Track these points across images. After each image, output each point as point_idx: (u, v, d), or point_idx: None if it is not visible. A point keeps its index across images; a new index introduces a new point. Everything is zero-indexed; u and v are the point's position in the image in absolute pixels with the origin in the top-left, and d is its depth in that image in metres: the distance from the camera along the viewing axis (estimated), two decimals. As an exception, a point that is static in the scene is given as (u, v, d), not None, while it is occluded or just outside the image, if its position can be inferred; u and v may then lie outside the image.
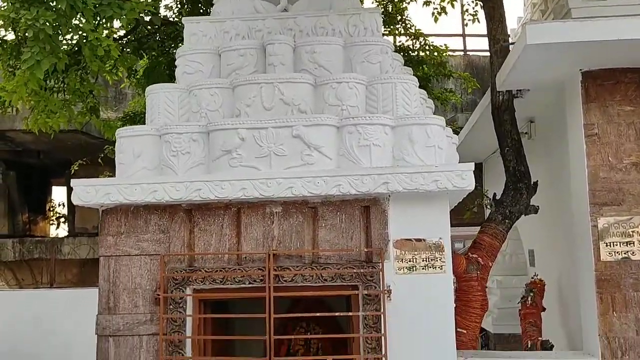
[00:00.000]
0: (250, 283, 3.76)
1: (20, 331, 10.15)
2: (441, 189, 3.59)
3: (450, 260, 3.70)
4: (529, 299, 6.16)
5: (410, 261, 3.69)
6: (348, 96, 3.92)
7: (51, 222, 16.23)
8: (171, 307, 3.77)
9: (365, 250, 3.72)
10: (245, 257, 3.81)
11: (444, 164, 3.73)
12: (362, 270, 3.67)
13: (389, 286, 3.65)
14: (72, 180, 3.85)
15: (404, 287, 3.67)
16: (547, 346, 5.71)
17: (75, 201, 3.82)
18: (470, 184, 3.58)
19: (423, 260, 3.69)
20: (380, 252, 3.67)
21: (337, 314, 3.68)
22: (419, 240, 3.71)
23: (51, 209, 16.19)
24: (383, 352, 3.58)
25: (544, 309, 6.25)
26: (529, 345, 5.81)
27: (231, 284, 3.77)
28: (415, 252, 3.69)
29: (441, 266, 3.68)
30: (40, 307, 10.48)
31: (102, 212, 3.94)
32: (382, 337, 3.59)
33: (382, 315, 3.61)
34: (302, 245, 3.78)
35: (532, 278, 6.39)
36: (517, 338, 7.17)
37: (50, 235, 15.79)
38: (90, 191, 3.77)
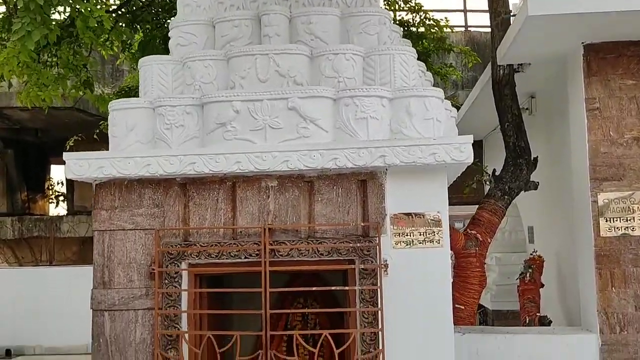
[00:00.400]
0: (245, 257, 3.72)
1: (20, 308, 10.25)
2: (439, 162, 3.53)
3: (448, 235, 3.66)
4: (528, 275, 6.14)
5: (407, 235, 3.64)
6: (345, 68, 3.84)
7: (50, 200, 16.21)
8: (166, 281, 3.75)
9: (362, 224, 3.68)
10: (241, 232, 3.76)
11: (442, 137, 3.67)
12: (358, 245, 3.63)
13: (386, 260, 3.62)
14: (64, 153, 3.79)
15: (401, 262, 3.63)
16: (545, 322, 5.71)
17: (68, 175, 3.77)
18: (469, 157, 3.53)
19: (420, 235, 3.64)
20: (377, 226, 3.63)
21: (333, 288, 3.65)
22: (416, 214, 3.66)
23: (50, 187, 16.17)
24: (380, 326, 3.56)
25: (542, 286, 6.24)
26: (527, 321, 5.80)
27: (227, 259, 3.73)
28: (413, 227, 3.65)
29: (439, 240, 3.64)
30: (39, 284, 10.56)
31: (96, 186, 3.89)
32: (379, 312, 3.57)
33: (378, 290, 3.58)
34: (298, 220, 3.73)
35: (531, 254, 6.38)
36: (515, 315, 7.18)
37: (50, 214, 15.78)
38: (83, 165, 3.72)
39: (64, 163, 3.79)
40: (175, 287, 3.74)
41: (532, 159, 5.95)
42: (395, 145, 3.55)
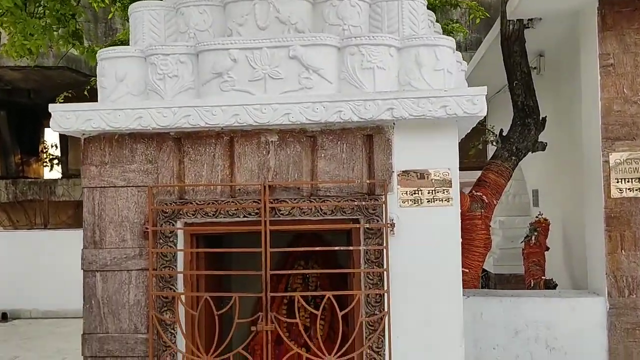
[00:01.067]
0: (244, 216, 3.53)
1: (16, 271, 10.13)
2: (450, 115, 3.31)
3: (458, 193, 3.47)
4: (533, 238, 6.01)
5: (415, 193, 3.45)
6: (350, 15, 3.58)
7: (44, 164, 15.97)
8: (161, 241, 3.56)
9: (368, 182, 3.48)
10: (239, 189, 3.57)
11: (454, 88, 3.44)
12: (364, 203, 3.44)
13: (393, 220, 3.44)
14: (50, 105, 3.56)
15: (409, 221, 3.45)
16: (550, 285, 5.59)
17: (54, 128, 3.54)
18: (482, 110, 3.31)
19: (429, 193, 3.45)
20: (384, 183, 3.43)
21: (337, 248, 3.47)
22: (425, 171, 3.46)
23: (44, 150, 15.90)
24: (385, 287, 3.40)
25: (547, 249, 6.11)
26: (532, 284, 5.69)
27: (224, 217, 3.55)
28: (421, 184, 3.45)
29: (448, 199, 3.45)
30: (35, 247, 10.42)
31: (84, 141, 3.67)
32: (384, 273, 3.40)
33: (384, 250, 3.40)
34: (300, 177, 3.53)
35: (537, 217, 6.23)
36: (518, 279, 7.08)
37: (44, 177, 15.56)
38: (70, 117, 3.49)
39: (56, 122, 3.56)
40: (170, 247, 3.56)
41: (540, 118, 5.75)
42: (404, 97, 3.33)
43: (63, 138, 14.91)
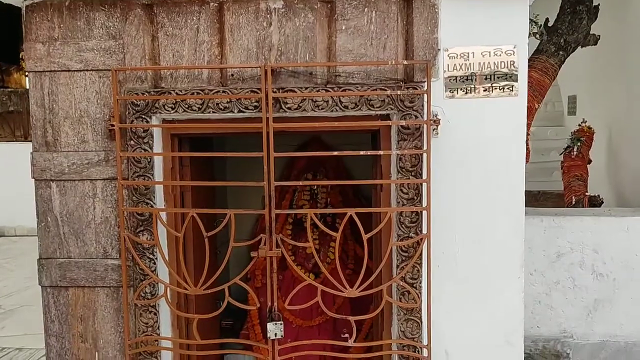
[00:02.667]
0: (240, 111, 2.69)
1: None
2: (523, -31, 2.39)
3: (526, 80, 2.61)
4: (575, 149, 5.19)
5: (468, 80, 2.59)
6: None
7: (25, 74, 14.85)
8: (132, 142, 2.74)
9: (405, 63, 2.60)
10: (233, 75, 2.70)
11: None
12: (399, 93, 2.58)
13: (436, 115, 2.60)
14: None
15: (458, 117, 2.62)
16: (596, 202, 4.84)
17: (-20, -12, 2.62)
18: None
19: (486, 79, 2.59)
20: (427, 66, 2.56)
21: (362, 152, 2.67)
22: (483, 49, 2.58)
23: (24, 58, 14.73)
24: (424, 204, 2.61)
25: (589, 161, 5.31)
26: (574, 202, 4.94)
27: (213, 113, 2.70)
28: (477, 67, 2.58)
29: (512, 87, 2.60)
30: (16, 160, 9.61)
31: (26, 10, 2.76)
32: (424, 185, 2.60)
33: (424, 156, 2.59)
34: (312, 58, 2.65)
35: (579, 125, 5.38)
36: (548, 196, 6.34)
37: (26, 87, 14.52)
38: (0, -28, 2.56)
39: None
40: (145, 150, 2.74)
41: (592, 6, 4.79)
42: (460, -58, 2.39)
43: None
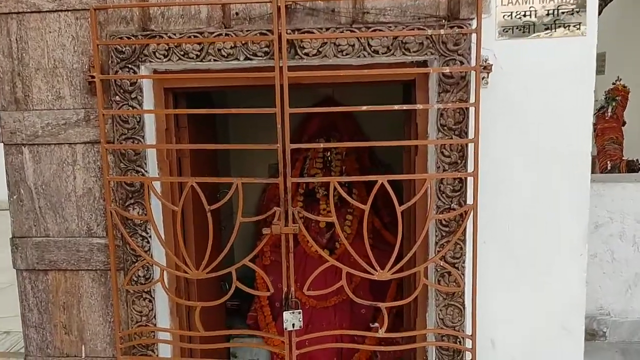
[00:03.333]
0: (247, 59, 2.22)
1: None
2: None
3: (596, 17, 2.14)
4: (609, 109, 4.72)
5: (525, 16, 2.12)
6: None
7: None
8: (117, 98, 2.28)
9: (449, -4, 2.14)
10: (237, 14, 2.22)
11: None
12: (441, 32, 2.12)
13: (487, 60, 2.14)
14: None
15: (513, 63, 2.16)
16: (635, 167, 4.40)
17: None
18: None
19: (548, 15, 2.12)
20: (477, 0, 2.08)
21: (396, 107, 2.20)
22: (544, -23, 2.11)
23: None
24: (470, 169, 2.17)
25: (624, 123, 4.85)
26: (609, 167, 4.50)
27: (215, 60, 2.23)
28: (538, 0, 2.11)
29: (578, 26, 2.13)
30: None
31: (-16, -64, 2.26)
32: (471, 146, 2.16)
33: (471, 110, 2.14)
34: (335, -8, 2.18)
35: (614, 84, 4.89)
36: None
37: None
38: None
39: None
40: (133, 107, 2.28)
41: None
42: None
43: None
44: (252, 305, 3.96)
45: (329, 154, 3.95)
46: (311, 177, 3.96)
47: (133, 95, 2.28)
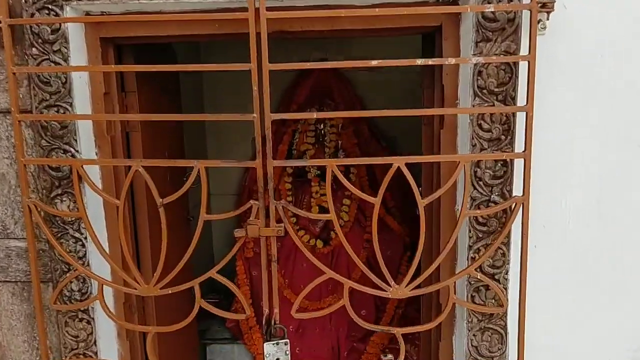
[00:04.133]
0: (211, -4, 1.60)
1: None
2: None
3: None
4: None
5: None
6: None
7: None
8: (34, 51, 1.66)
9: None
10: None
11: None
12: (483, -44, 1.50)
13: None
14: None
15: (584, 1, 1.55)
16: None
17: None
18: None
19: None
20: None
21: (419, 61, 1.58)
22: None
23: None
24: (518, 148, 1.58)
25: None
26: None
27: (167, -2, 1.61)
28: None
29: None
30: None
31: None
32: (521, 117, 1.56)
33: (521, 66, 1.54)
34: None
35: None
36: None
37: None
38: None
39: None
40: (57, 63, 1.66)
41: None
42: None
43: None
44: (232, 302, 3.40)
45: (322, 126, 3.35)
46: (301, 153, 3.36)
47: (56, 47, 1.66)
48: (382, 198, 1.54)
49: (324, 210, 3.25)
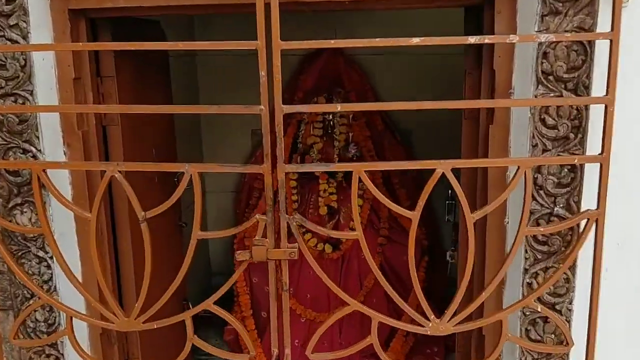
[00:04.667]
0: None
1: None
2: None
3: None
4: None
5: None
6: None
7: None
8: (7, 29, 1.32)
9: None
10: None
11: None
12: None
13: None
14: None
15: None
16: None
17: None
18: None
19: None
20: None
21: (471, 39, 1.26)
22: None
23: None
24: (592, 150, 1.25)
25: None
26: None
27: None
28: None
29: None
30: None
31: None
32: (595, 110, 1.23)
33: (599, 47, 1.20)
34: None
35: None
36: None
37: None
38: None
39: None
40: (13, 41, 1.33)
41: None
42: None
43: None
44: (231, 313, 3.07)
45: (330, 117, 3.01)
46: (307, 146, 3.03)
47: (12, 21, 1.33)
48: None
49: (332, 210, 2.93)
